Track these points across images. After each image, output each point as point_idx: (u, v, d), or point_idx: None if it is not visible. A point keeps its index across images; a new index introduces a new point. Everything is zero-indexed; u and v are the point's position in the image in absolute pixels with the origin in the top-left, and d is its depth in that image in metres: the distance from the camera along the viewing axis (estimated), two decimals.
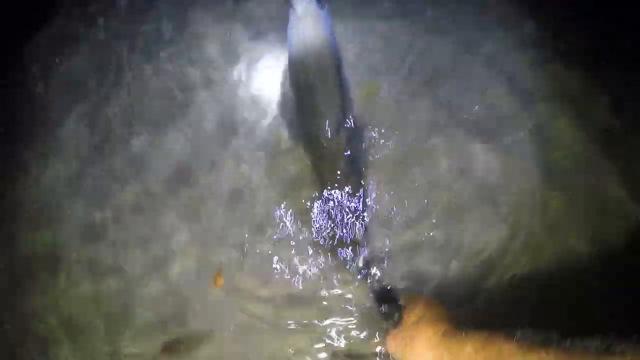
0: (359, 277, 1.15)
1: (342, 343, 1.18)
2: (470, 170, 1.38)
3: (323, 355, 1.17)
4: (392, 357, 0.86)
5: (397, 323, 0.84)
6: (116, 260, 1.36)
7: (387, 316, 0.86)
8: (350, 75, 1.46)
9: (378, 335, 0.99)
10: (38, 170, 1.50)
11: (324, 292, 1.23)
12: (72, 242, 1.39)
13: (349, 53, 1.52)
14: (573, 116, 1.41)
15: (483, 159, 1.38)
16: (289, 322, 1.22)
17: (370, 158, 1.37)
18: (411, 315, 0.83)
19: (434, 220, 1.31)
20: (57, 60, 1.60)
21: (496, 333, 0.67)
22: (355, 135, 1.35)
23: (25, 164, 1.51)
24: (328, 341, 1.18)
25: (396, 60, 1.51)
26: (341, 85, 1.35)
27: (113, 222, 1.40)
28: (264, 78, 1.55)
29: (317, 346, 1.19)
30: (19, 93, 1.60)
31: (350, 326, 1.19)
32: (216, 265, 1.24)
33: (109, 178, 1.46)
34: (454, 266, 1.27)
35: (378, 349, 1.12)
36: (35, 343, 1.30)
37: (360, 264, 1.13)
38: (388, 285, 0.98)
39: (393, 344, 0.83)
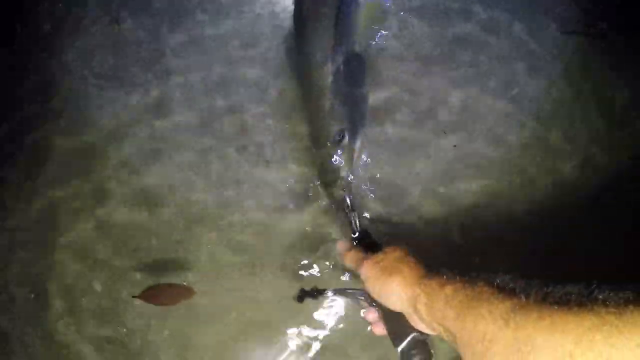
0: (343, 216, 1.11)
1: (314, 275, 1.19)
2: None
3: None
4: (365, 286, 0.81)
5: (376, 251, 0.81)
6: None
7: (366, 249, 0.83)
8: None
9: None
10: None
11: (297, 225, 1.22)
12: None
13: None
14: None
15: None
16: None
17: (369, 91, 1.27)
18: (394, 252, 0.80)
19: (419, 157, 1.29)
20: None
21: (476, 278, 0.64)
22: (351, 65, 1.24)
23: None
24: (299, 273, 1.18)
25: None
26: (340, 14, 1.23)
27: None
28: None
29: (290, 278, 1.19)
30: None
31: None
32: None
33: None
34: (437, 207, 1.25)
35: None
36: None
37: (346, 202, 1.09)
38: (369, 228, 0.95)
39: (368, 273, 0.79)
